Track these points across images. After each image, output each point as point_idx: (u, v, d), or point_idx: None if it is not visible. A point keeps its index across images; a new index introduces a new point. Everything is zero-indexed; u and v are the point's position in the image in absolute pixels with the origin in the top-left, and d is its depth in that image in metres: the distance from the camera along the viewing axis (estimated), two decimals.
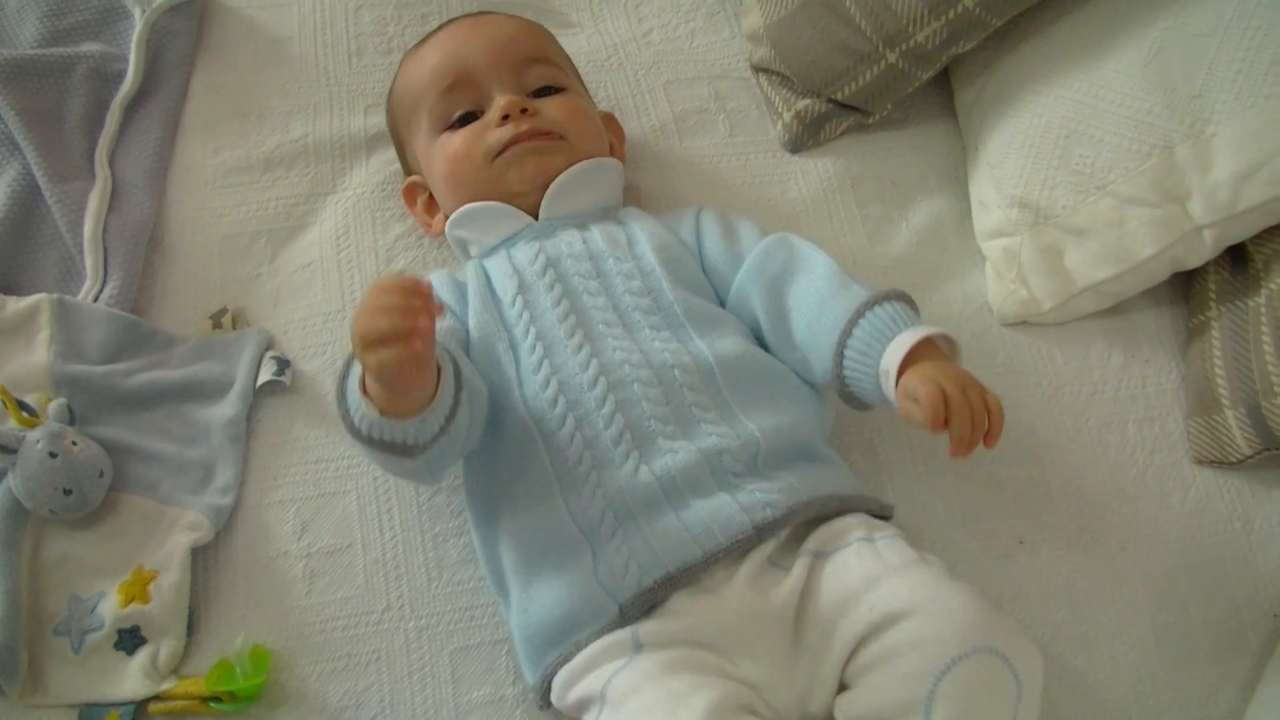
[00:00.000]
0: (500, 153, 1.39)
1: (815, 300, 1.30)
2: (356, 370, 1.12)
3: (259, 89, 1.68)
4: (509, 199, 1.40)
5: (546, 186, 1.40)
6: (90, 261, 1.45)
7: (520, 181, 1.39)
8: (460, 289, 1.38)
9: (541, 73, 1.45)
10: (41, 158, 1.50)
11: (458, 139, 1.41)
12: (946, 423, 1.11)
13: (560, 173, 1.39)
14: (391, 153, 1.60)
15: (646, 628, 1.14)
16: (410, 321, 1.01)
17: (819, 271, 1.32)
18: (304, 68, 1.70)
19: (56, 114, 1.57)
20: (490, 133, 1.39)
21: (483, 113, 1.42)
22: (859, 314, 1.24)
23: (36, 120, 1.54)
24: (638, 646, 1.13)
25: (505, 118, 1.39)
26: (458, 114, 1.43)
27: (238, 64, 1.70)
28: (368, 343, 1.02)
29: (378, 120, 1.64)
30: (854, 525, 1.19)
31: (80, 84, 1.59)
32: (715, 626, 1.14)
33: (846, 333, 1.24)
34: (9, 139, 1.54)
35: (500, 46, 1.44)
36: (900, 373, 1.18)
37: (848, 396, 1.28)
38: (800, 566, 1.16)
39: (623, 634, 1.14)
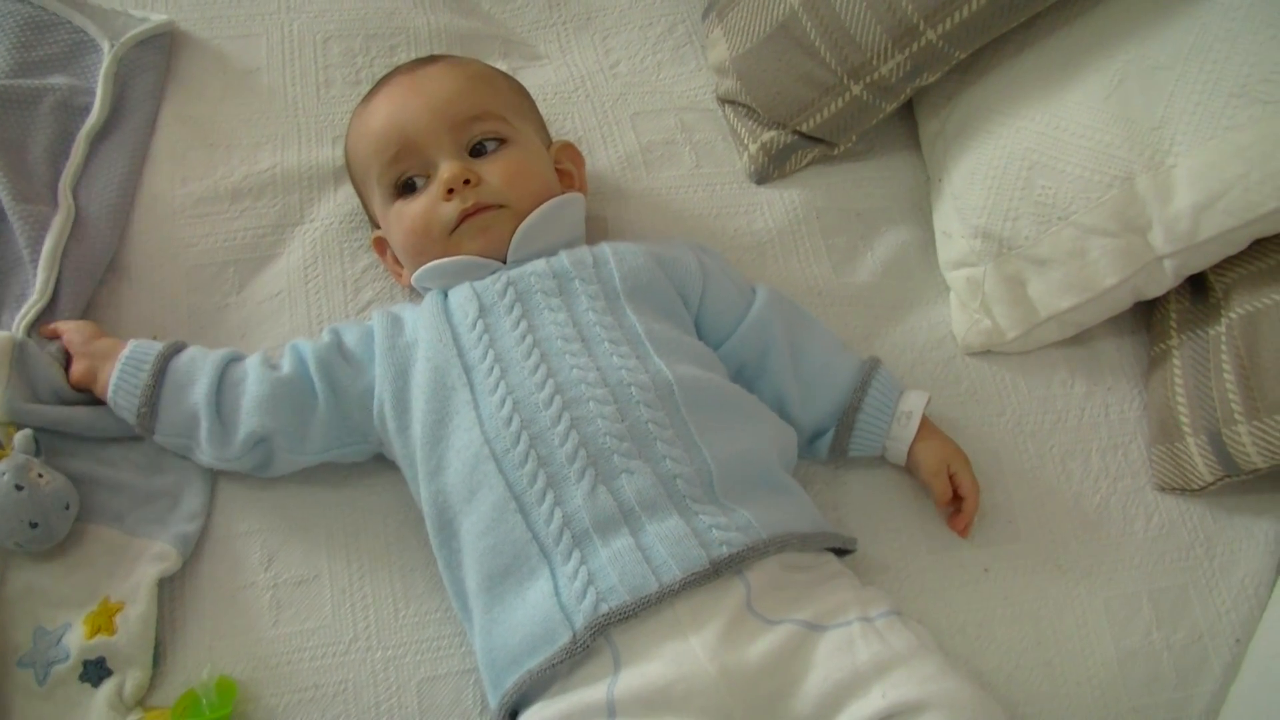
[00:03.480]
0: (453, 229, 1.40)
1: (828, 347, 1.46)
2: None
3: (227, 120, 1.67)
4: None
5: (501, 247, 1.40)
6: (43, 277, 1.43)
7: (475, 251, 1.40)
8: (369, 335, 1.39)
9: (482, 129, 1.44)
10: (7, 180, 1.48)
11: (410, 213, 1.42)
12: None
13: (509, 234, 1.40)
14: None
15: (622, 686, 1.13)
16: None
17: (819, 325, 1.50)
18: (272, 99, 1.70)
19: (21, 144, 1.55)
20: (440, 208, 1.40)
21: (429, 178, 1.42)
22: (875, 366, 1.45)
23: (1, 149, 1.53)
24: (612, 712, 1.12)
25: (451, 190, 1.39)
26: (404, 180, 1.43)
27: (206, 95, 1.69)
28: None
29: None
30: (849, 602, 1.21)
31: (47, 116, 1.58)
32: (687, 685, 1.13)
33: (869, 376, 1.44)
34: None
35: (438, 110, 1.42)
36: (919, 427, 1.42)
37: (846, 431, 1.42)
38: (787, 633, 1.16)
39: (598, 690, 1.14)
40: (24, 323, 1.40)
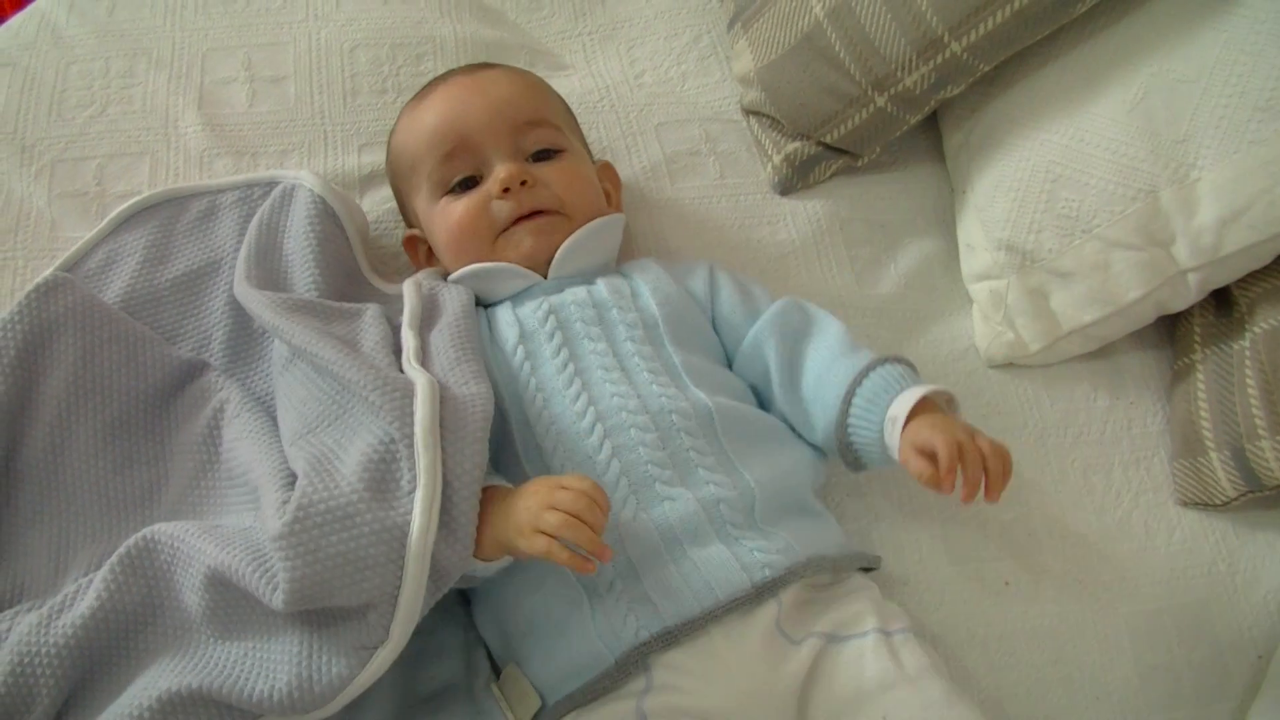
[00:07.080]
0: (504, 230, 1.39)
1: (828, 356, 1.33)
2: None
3: (254, 127, 1.68)
4: (513, 262, 1.40)
5: (547, 256, 1.40)
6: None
7: (521, 259, 1.39)
8: None
9: (540, 136, 1.43)
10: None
11: (459, 208, 1.40)
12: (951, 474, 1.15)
13: (560, 243, 1.39)
14: (386, 190, 1.60)
15: (653, 699, 1.12)
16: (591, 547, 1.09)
17: (832, 332, 1.37)
18: (299, 107, 1.71)
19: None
20: (494, 205, 1.39)
21: (482, 178, 1.41)
22: (869, 368, 1.29)
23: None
24: (642, 718, 1.12)
25: (506, 190, 1.38)
26: (457, 179, 1.42)
27: (233, 102, 1.71)
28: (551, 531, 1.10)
29: (372, 159, 1.65)
30: (866, 611, 1.20)
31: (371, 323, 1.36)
32: (718, 701, 1.13)
33: (856, 383, 1.28)
34: None
35: (498, 110, 1.42)
36: (907, 423, 1.22)
37: (847, 448, 1.29)
38: (810, 648, 1.16)
39: (627, 706, 1.13)
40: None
